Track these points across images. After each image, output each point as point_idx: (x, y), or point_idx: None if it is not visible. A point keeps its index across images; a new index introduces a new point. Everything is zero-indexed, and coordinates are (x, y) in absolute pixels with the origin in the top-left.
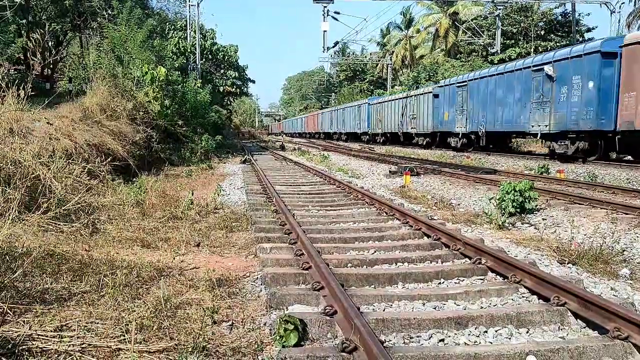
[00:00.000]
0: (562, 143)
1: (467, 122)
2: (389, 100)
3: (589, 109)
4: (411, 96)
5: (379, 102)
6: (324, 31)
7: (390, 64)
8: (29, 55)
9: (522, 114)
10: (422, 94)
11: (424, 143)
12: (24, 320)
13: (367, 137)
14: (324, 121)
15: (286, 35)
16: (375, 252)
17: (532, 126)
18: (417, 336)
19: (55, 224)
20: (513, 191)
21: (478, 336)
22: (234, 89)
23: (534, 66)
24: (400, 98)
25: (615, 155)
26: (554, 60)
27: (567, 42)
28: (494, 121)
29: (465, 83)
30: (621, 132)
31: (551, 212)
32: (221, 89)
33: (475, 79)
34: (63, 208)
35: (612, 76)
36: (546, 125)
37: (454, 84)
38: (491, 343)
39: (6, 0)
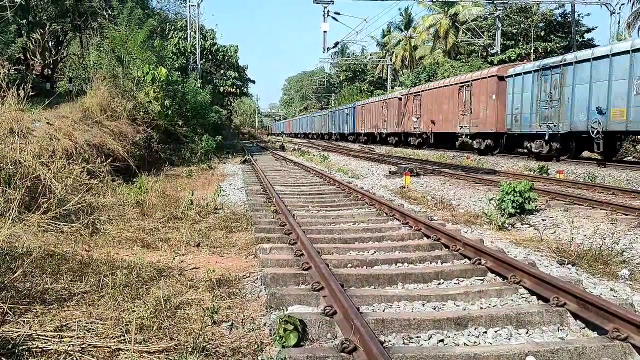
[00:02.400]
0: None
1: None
2: (316, 115)
3: (347, 124)
4: (318, 114)
5: (314, 115)
6: (324, 31)
7: (390, 65)
8: (29, 55)
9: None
10: (320, 115)
11: (331, 137)
12: (24, 320)
13: (311, 135)
14: (293, 125)
15: (286, 36)
16: (375, 252)
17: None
18: (417, 336)
19: (56, 224)
20: (513, 192)
21: (477, 337)
22: (234, 89)
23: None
24: (309, 115)
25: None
26: (348, 108)
27: (567, 43)
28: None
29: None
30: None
31: (551, 213)
32: (221, 89)
33: (363, 104)
34: (63, 208)
35: (354, 116)
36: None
37: (343, 109)
38: (491, 343)
39: (6, 0)
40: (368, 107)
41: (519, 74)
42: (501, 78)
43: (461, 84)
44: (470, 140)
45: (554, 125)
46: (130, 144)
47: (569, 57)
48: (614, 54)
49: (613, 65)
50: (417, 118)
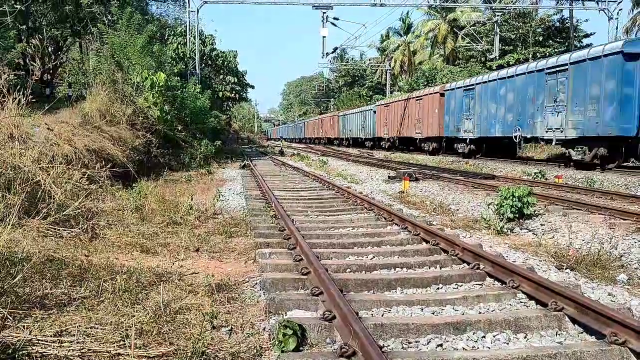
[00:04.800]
0: (306, 140)
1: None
2: (289, 126)
3: (302, 132)
4: (290, 125)
5: (288, 126)
6: (323, 37)
7: (389, 70)
8: (28, 61)
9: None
10: (291, 125)
11: (295, 140)
12: (23, 325)
13: (287, 139)
14: (277, 132)
15: (285, 41)
16: (374, 257)
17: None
18: (416, 341)
19: (55, 229)
20: (511, 197)
21: (476, 341)
22: (233, 95)
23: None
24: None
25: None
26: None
27: (566, 48)
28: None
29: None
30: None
31: (549, 218)
32: (220, 94)
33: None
34: (63, 213)
35: (305, 127)
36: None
37: (300, 122)
38: (489, 348)
39: (6, 5)
40: (310, 122)
41: (344, 115)
42: (341, 116)
43: (331, 116)
44: (340, 140)
45: (351, 134)
46: (130, 149)
47: (348, 112)
48: (363, 111)
49: (360, 115)
50: (326, 130)
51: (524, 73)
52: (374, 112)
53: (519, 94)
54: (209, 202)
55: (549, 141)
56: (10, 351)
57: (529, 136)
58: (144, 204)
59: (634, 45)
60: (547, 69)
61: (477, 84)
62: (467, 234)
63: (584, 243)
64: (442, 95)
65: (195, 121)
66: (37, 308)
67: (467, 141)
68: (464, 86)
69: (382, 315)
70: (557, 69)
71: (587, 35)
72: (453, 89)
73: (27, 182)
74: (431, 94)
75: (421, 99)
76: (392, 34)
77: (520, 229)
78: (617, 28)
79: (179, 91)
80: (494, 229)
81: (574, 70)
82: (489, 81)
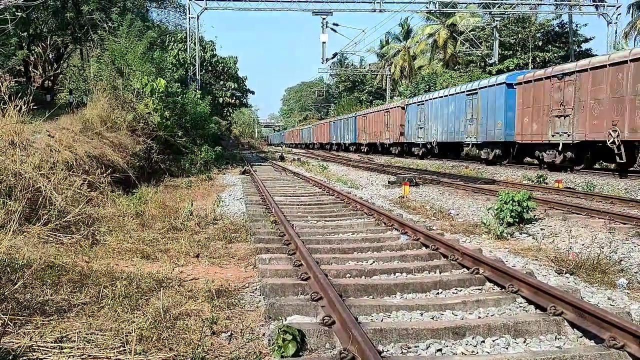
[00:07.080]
0: (285, 145)
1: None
2: (276, 134)
3: (283, 138)
4: (278, 133)
5: (276, 134)
6: (323, 42)
7: (389, 75)
8: (30, 68)
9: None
10: (278, 133)
11: (280, 145)
12: (24, 332)
13: (276, 144)
14: (270, 138)
15: (286, 47)
16: (373, 262)
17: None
18: (415, 346)
19: (56, 235)
20: (511, 201)
21: (475, 346)
22: (233, 100)
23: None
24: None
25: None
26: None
27: (565, 52)
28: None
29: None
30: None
31: (549, 222)
32: (221, 100)
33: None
34: (63, 220)
35: (284, 135)
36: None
37: (281, 132)
38: (488, 353)
39: (7, 13)
40: (288, 132)
41: (300, 129)
42: (301, 129)
43: (298, 129)
44: (302, 145)
45: (304, 140)
46: (130, 155)
47: (304, 127)
48: (309, 127)
49: (307, 130)
50: (294, 138)
51: (342, 119)
52: (311, 128)
53: (340, 127)
54: (209, 208)
55: (338, 144)
56: (10, 357)
57: (347, 143)
58: (145, 210)
59: (359, 114)
60: (357, 116)
61: (337, 120)
62: (467, 239)
63: (584, 247)
64: (329, 124)
65: (195, 127)
66: (38, 314)
67: (335, 144)
68: (332, 121)
69: (382, 321)
70: (314, 125)
71: (586, 40)
72: (330, 122)
73: (28, 188)
74: (326, 122)
75: (324, 124)
76: (392, 40)
77: (520, 234)
78: (616, 32)
79: (180, 97)
80: (493, 234)
81: (344, 121)
82: (337, 120)
